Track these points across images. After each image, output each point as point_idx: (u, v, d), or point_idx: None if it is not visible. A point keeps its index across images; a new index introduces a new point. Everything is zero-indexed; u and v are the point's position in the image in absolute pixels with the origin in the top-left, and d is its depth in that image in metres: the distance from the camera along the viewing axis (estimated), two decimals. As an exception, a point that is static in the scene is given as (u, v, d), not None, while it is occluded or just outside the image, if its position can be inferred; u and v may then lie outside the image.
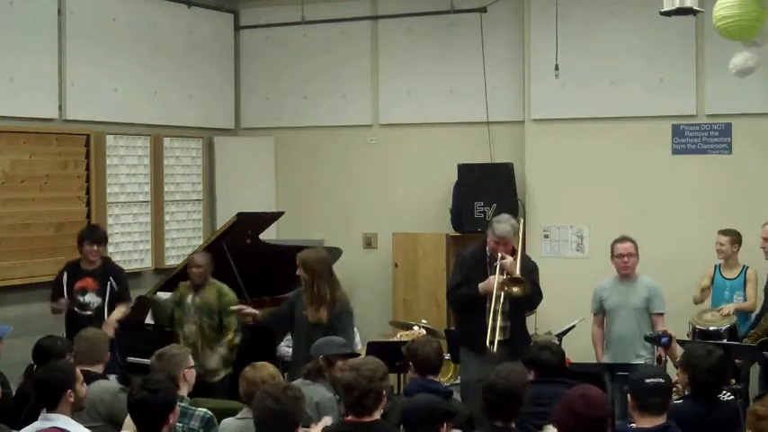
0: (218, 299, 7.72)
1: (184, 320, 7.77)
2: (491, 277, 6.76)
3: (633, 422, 4.79)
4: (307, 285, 6.93)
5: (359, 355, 6.55)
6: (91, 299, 7.77)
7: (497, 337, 6.72)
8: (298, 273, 7.00)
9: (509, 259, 6.75)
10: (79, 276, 7.80)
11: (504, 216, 7.09)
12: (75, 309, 7.72)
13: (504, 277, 6.71)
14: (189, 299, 7.79)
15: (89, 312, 7.68)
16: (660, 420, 4.61)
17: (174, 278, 8.41)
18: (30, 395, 5.19)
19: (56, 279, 7.88)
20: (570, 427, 4.12)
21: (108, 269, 7.92)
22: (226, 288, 7.82)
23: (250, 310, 7.36)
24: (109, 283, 7.80)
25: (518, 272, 6.70)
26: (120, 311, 7.82)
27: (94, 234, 7.93)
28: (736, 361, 6.96)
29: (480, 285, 6.79)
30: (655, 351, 7.10)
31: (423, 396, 4.74)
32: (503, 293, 6.73)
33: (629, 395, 4.75)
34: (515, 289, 6.70)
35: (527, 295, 6.79)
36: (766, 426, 4.36)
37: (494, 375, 4.70)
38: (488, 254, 6.88)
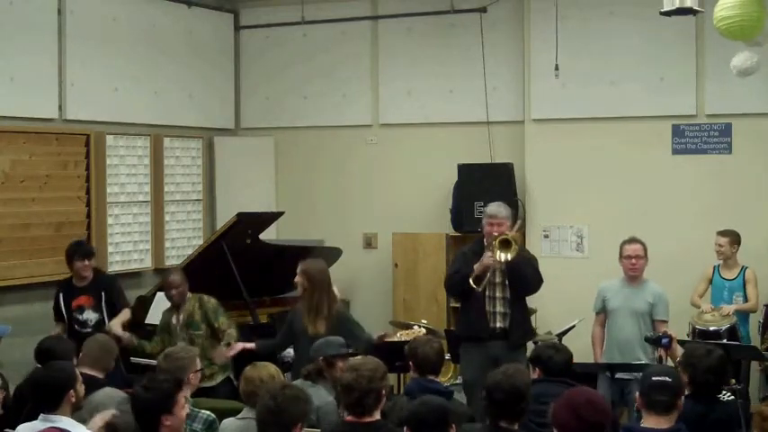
0: (200, 307, 7.53)
1: (175, 342, 7.44)
2: (486, 253, 6.82)
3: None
4: (306, 294, 6.90)
5: (357, 354, 6.53)
6: (88, 316, 7.70)
7: (497, 324, 6.85)
8: (297, 280, 6.95)
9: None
10: (74, 295, 7.72)
11: (497, 202, 7.22)
12: (77, 327, 7.64)
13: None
14: (174, 321, 7.60)
15: (89, 329, 7.53)
16: (668, 422, 4.57)
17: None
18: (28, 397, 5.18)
19: (54, 302, 7.80)
20: (573, 430, 4.10)
21: (99, 281, 7.82)
22: (205, 296, 7.61)
23: (239, 347, 7.19)
24: (102, 295, 7.72)
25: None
26: (122, 317, 7.68)
27: (82, 249, 7.82)
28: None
29: (476, 265, 6.84)
30: (655, 354, 7.09)
31: (431, 398, 4.66)
32: (497, 263, 6.78)
33: (637, 392, 4.75)
34: (505, 256, 6.73)
35: (522, 268, 6.84)
36: (772, 427, 4.36)
37: (499, 375, 4.62)
38: (485, 243, 6.93)
